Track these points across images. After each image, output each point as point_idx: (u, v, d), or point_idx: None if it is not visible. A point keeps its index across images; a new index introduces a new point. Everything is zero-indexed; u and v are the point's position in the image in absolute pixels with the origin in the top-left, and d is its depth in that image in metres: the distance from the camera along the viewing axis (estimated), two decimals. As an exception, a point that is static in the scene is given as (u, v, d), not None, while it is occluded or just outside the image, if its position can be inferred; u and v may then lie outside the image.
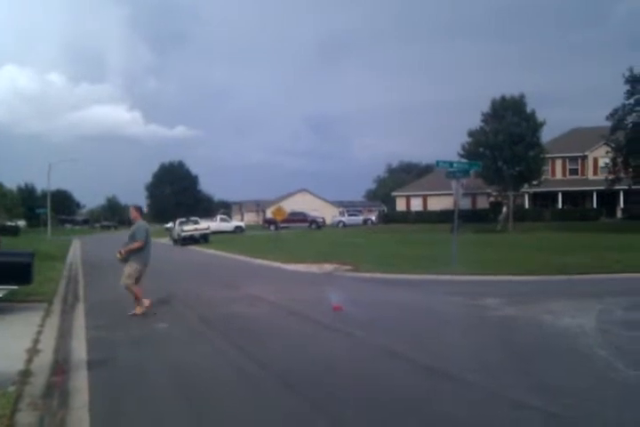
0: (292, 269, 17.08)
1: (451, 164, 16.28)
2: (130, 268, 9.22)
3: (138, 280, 9.40)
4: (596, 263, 14.98)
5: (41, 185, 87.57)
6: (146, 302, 9.42)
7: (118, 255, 9.33)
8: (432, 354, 6.33)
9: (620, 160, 34.00)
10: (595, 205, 46.03)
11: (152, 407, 4.80)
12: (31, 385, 5.23)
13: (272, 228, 45.42)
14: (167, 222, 62.91)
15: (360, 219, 57.32)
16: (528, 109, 36.92)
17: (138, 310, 9.18)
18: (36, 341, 7.07)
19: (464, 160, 32.35)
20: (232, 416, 4.55)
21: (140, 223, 9.49)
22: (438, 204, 49.68)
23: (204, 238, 34.65)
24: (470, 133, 37.93)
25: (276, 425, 4.36)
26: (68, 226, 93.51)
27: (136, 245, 9.20)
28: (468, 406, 4.61)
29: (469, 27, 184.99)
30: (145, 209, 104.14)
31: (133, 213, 9.76)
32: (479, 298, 10.28)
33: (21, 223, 72.46)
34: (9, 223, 60.58)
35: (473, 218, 41.99)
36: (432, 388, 5.16)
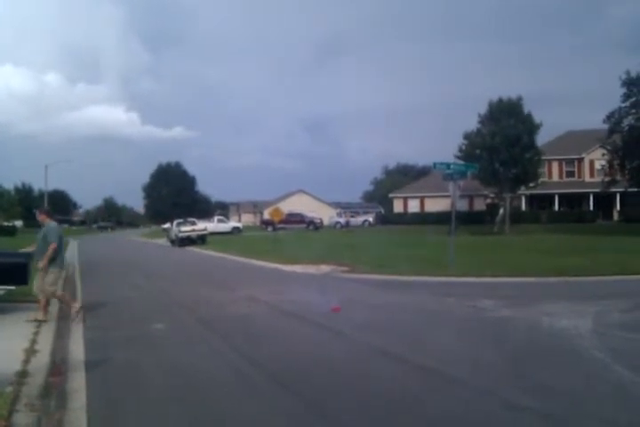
0: (289, 270, 17.08)
1: (448, 165, 16.31)
2: (51, 275, 8.70)
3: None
4: (592, 265, 15.02)
5: (38, 185, 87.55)
6: (76, 305, 9.13)
7: (40, 265, 8.62)
8: (429, 355, 6.35)
9: (616, 162, 34.14)
10: (591, 208, 46.12)
11: (149, 408, 4.81)
12: (28, 386, 5.22)
13: (269, 229, 45.40)
14: (164, 223, 62.88)
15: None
16: (524, 112, 37.02)
17: (40, 316, 8.51)
18: (34, 341, 7.06)
19: (461, 162, 32.40)
20: (229, 417, 4.57)
21: (52, 225, 9.03)
22: (435, 205, 49.72)
23: (201, 239, 34.60)
24: (466, 136, 38.01)
25: (274, 424, 4.38)
26: (65, 226, 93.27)
27: (51, 248, 8.61)
28: (463, 406, 4.63)
29: (468, 28, 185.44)
30: (142, 210, 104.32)
31: (41, 216, 9.23)
32: (476, 300, 10.31)
33: (18, 223, 72.25)
34: (6, 223, 60.41)
35: (470, 220, 42.03)
36: (428, 389, 5.17)
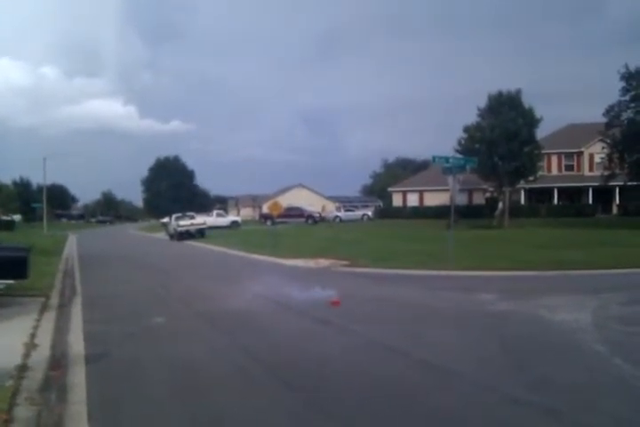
0: (288, 264, 17.08)
1: (447, 159, 16.29)
2: None
3: None
4: (590, 259, 15.04)
5: (36, 179, 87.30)
6: None
7: None
8: (429, 349, 6.37)
9: (615, 156, 34.07)
10: (590, 201, 46.05)
11: (149, 401, 4.82)
12: (29, 380, 5.23)
13: (268, 223, 45.36)
14: (163, 217, 62.80)
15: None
16: (525, 105, 36.89)
17: None
18: (33, 335, 7.07)
19: (460, 156, 32.31)
20: (228, 410, 4.57)
21: None
22: (434, 199, 49.66)
23: (200, 233, 34.60)
24: (466, 129, 37.89)
25: (273, 420, 4.38)
26: (64, 220, 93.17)
27: None
28: (464, 400, 4.64)
29: (466, 21, 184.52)
30: (141, 204, 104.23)
31: None
32: (475, 293, 10.32)
33: (17, 218, 72.17)
34: (4, 218, 60.33)
35: (469, 214, 41.98)
36: (428, 382, 5.19)
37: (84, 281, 13.78)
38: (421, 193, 53.86)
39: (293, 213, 49.82)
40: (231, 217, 54.90)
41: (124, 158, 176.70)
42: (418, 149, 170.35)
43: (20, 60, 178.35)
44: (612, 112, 33.57)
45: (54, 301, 10.42)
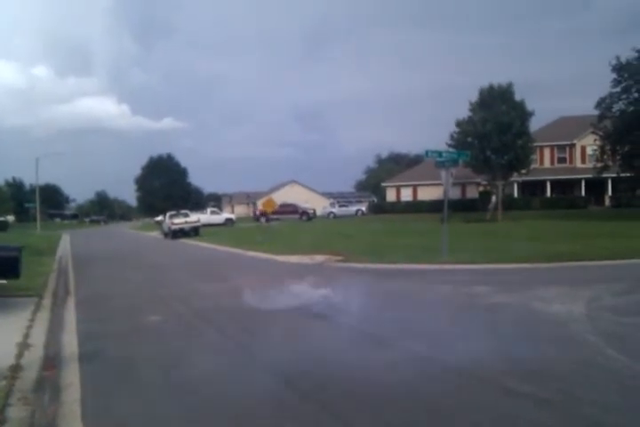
0: (283, 260, 17.05)
1: (440, 153, 16.27)
2: None
3: None
4: (584, 251, 15.08)
5: (29, 179, 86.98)
6: None
7: None
8: (424, 342, 6.36)
9: (607, 148, 34.18)
10: (583, 194, 46.29)
11: (143, 401, 4.80)
12: (22, 380, 5.21)
13: (262, 220, 45.35)
14: (157, 216, 62.66)
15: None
16: (516, 98, 36.93)
17: None
18: (27, 335, 7.03)
19: (452, 150, 32.31)
20: (224, 410, 4.56)
21: None
22: (428, 194, 49.80)
23: (194, 231, 34.50)
24: (458, 124, 37.89)
25: (272, 417, 4.37)
26: (58, 220, 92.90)
27: None
28: (459, 393, 4.65)
29: (456, 15, 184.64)
30: (135, 202, 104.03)
31: None
32: (470, 286, 10.34)
33: (10, 218, 71.80)
34: (-3, 218, 59.99)
35: (462, 207, 42.15)
36: (423, 375, 5.18)
37: (78, 281, 13.74)
38: (415, 187, 54.00)
39: (288, 209, 49.84)
40: (225, 214, 54.81)
41: (118, 157, 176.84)
42: (411, 144, 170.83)
43: (11, 60, 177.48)
44: (604, 104, 33.62)
45: (48, 300, 10.36)
